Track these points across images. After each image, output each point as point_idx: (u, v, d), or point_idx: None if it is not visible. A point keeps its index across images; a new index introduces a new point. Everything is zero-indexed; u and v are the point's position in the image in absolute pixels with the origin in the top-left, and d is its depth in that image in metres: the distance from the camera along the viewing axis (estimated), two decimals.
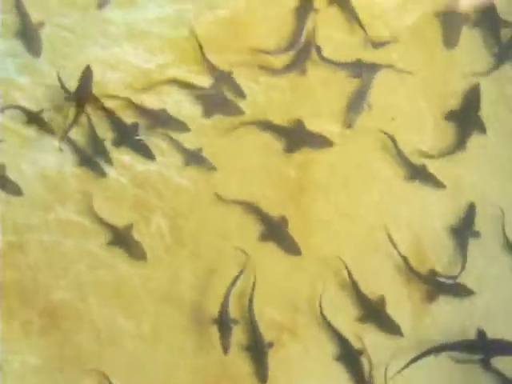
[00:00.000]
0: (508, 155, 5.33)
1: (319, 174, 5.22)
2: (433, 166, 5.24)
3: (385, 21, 5.50)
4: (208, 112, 5.29)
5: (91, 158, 5.14)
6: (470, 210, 5.16)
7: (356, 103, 5.31)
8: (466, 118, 5.30)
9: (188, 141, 5.22)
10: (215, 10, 5.46)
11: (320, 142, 5.25)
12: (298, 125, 5.27)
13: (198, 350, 4.88)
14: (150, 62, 5.34)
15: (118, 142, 5.20)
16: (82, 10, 5.37)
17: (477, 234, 5.12)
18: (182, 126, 5.24)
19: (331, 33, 5.46)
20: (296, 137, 5.26)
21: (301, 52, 5.37)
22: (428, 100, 5.38)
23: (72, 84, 5.14)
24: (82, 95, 5.15)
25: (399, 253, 5.01)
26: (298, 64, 5.36)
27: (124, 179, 5.14)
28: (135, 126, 5.21)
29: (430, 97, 5.38)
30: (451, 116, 5.34)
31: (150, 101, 5.26)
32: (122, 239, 5.04)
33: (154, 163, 5.17)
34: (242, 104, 5.30)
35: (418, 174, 5.21)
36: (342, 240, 5.11)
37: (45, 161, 5.12)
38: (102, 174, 5.12)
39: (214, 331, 4.81)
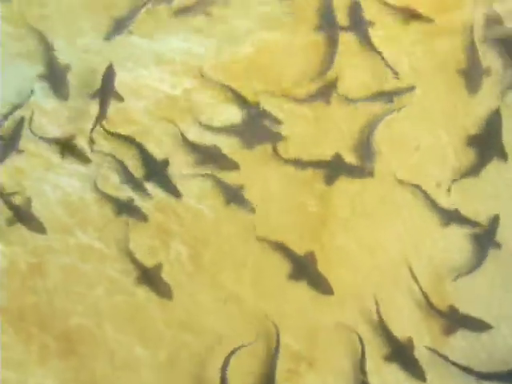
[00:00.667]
0: None
1: (341, 206, 5.22)
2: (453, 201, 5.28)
3: (410, 60, 5.62)
4: (248, 142, 5.30)
5: (130, 204, 5.15)
6: (494, 220, 5.18)
7: (366, 151, 5.30)
8: (487, 144, 5.34)
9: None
10: (237, 45, 5.58)
11: (360, 172, 5.26)
12: (337, 158, 5.28)
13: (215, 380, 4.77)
14: (175, 87, 5.43)
15: (148, 177, 5.21)
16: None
17: (498, 245, 5.13)
18: (233, 165, 5.21)
19: (355, 71, 5.59)
20: (334, 170, 5.26)
21: (326, 84, 5.45)
22: (449, 133, 5.43)
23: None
24: (106, 93, 5.20)
25: (421, 290, 4.99)
26: (323, 94, 5.41)
27: (147, 205, 5.18)
28: (165, 162, 5.23)
29: (450, 129, 5.44)
30: (472, 142, 5.37)
31: (170, 128, 5.33)
32: (150, 278, 4.99)
33: None
34: None
35: (452, 219, 5.21)
36: (363, 273, 5.09)
37: (68, 185, 5.15)
38: (144, 219, 5.12)
39: (232, 362, 4.72)
